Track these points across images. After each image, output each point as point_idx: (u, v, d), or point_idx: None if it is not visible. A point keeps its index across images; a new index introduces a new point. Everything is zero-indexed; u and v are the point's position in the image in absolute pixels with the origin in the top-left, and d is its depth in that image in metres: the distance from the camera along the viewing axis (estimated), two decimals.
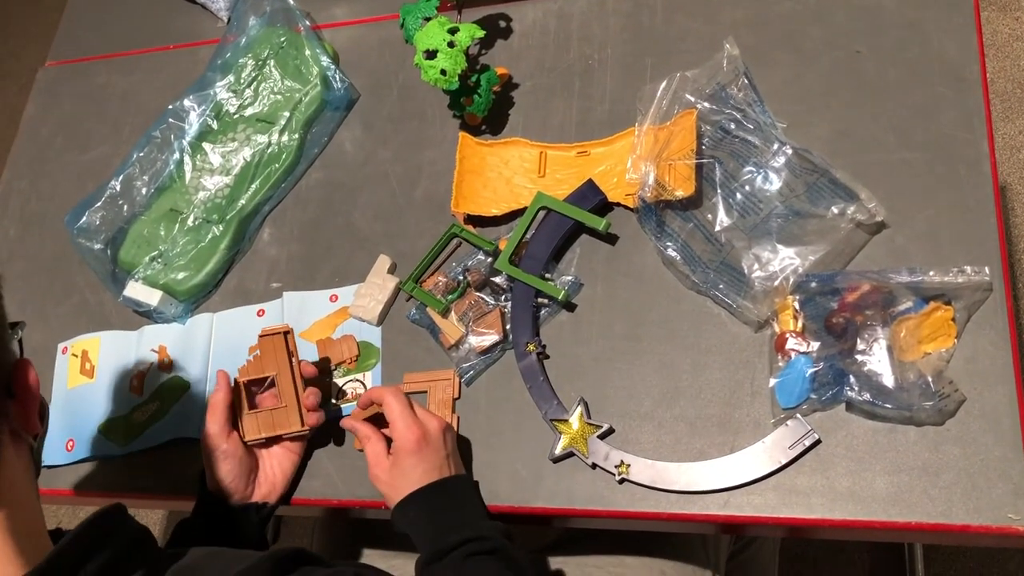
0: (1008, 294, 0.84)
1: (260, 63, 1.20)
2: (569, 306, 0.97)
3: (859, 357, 0.83)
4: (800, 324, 0.87)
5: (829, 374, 0.84)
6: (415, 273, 1.04)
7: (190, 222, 1.14)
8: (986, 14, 1.87)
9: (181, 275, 1.11)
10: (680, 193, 0.93)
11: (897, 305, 0.84)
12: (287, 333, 0.96)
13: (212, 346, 1.10)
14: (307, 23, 1.21)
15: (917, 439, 0.82)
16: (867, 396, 0.82)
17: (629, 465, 0.87)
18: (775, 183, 0.92)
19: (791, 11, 1.04)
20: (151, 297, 1.10)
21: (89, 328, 1.15)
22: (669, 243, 0.94)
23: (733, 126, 0.96)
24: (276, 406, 0.96)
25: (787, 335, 0.87)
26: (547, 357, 0.96)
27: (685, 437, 0.88)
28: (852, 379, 0.83)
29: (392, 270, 1.06)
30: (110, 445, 1.07)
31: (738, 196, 0.92)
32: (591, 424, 0.90)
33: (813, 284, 0.87)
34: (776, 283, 0.88)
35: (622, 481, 0.87)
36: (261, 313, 1.10)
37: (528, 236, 1.00)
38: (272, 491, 0.96)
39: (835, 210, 0.89)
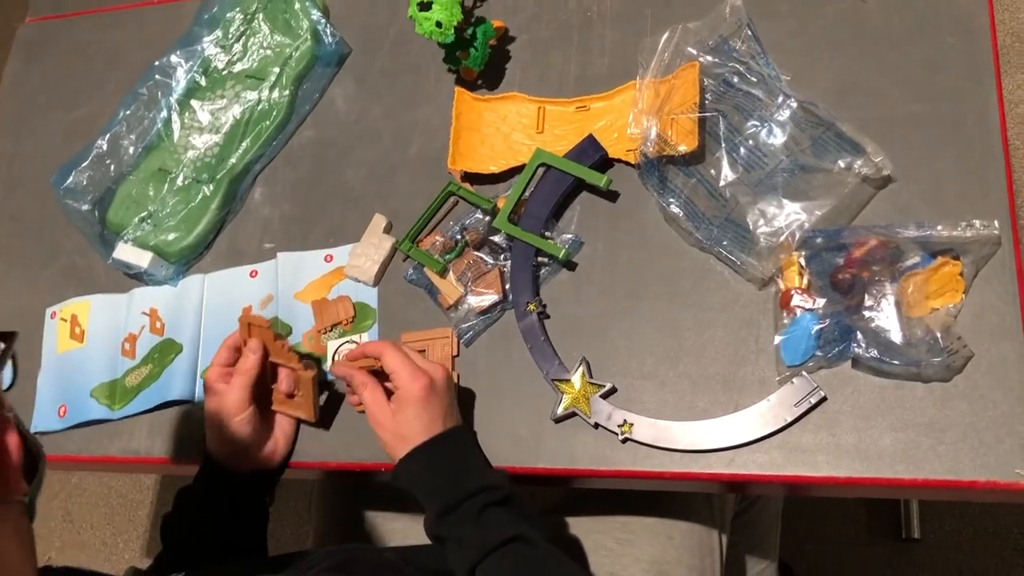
0: (1016, 248, 0.83)
1: (248, 17, 1.16)
2: (570, 265, 0.96)
3: (866, 313, 0.82)
4: (806, 280, 0.86)
5: (835, 331, 0.83)
6: (412, 232, 1.02)
7: (180, 182, 1.11)
8: None
9: (171, 236, 1.09)
10: (683, 148, 0.91)
11: (904, 260, 0.83)
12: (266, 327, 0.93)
13: (204, 307, 1.08)
14: None
15: (924, 395, 0.81)
16: (874, 352, 0.80)
17: (632, 424, 0.86)
18: (780, 137, 0.90)
19: None
20: (141, 259, 1.08)
21: (78, 291, 1.13)
22: (672, 199, 0.92)
23: (736, 79, 0.94)
24: (291, 391, 0.95)
25: (792, 292, 0.85)
26: (548, 317, 0.94)
27: (688, 396, 0.87)
28: (859, 335, 0.81)
29: (388, 229, 1.04)
30: (103, 409, 1.05)
31: (742, 150, 0.90)
32: (593, 383, 0.89)
33: (819, 240, 0.85)
34: (781, 239, 0.86)
35: (625, 441, 0.86)
36: (254, 274, 1.08)
37: (527, 194, 0.98)
38: (274, 454, 0.95)
39: (841, 164, 0.87)
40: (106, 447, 1.04)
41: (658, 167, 0.93)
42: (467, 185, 1.02)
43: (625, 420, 0.86)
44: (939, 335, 0.79)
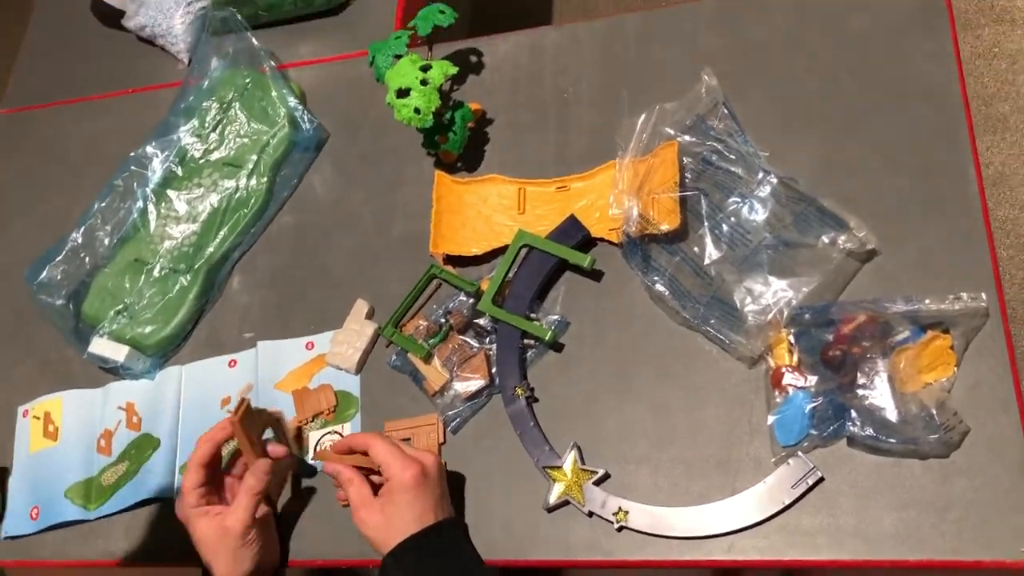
0: (1004, 319, 0.83)
1: (224, 106, 1.16)
2: (556, 346, 0.94)
3: (860, 391, 0.80)
4: (796, 358, 0.85)
5: (829, 409, 0.82)
6: (394, 317, 1.00)
7: (156, 272, 1.09)
8: None
9: (148, 328, 1.06)
10: (665, 226, 0.91)
11: (894, 335, 0.82)
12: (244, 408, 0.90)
13: (182, 400, 1.05)
14: (272, 63, 1.18)
15: (923, 473, 0.79)
16: (870, 431, 0.79)
17: (627, 512, 0.84)
18: (762, 214, 0.90)
19: (768, 38, 1.02)
20: (117, 353, 1.05)
21: (53, 386, 1.10)
22: (656, 278, 0.91)
23: (715, 157, 0.94)
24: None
25: (783, 369, 0.84)
26: (536, 400, 0.93)
27: (683, 480, 0.85)
28: (854, 414, 0.80)
29: (370, 315, 1.03)
30: (78, 510, 1.02)
31: (725, 228, 0.90)
32: (586, 470, 0.86)
33: (807, 316, 0.85)
34: (769, 316, 0.85)
35: (621, 529, 0.84)
36: (233, 364, 1.06)
37: (511, 275, 0.97)
38: (274, 552, 0.91)
39: (825, 239, 0.87)
40: (82, 550, 1.01)
41: (641, 246, 0.92)
42: (450, 268, 1.01)
43: (620, 507, 0.84)
44: (934, 411, 0.78)
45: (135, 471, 1.02)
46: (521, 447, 0.90)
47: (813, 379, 0.83)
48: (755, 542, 0.81)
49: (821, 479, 0.81)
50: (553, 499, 0.86)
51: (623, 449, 0.88)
